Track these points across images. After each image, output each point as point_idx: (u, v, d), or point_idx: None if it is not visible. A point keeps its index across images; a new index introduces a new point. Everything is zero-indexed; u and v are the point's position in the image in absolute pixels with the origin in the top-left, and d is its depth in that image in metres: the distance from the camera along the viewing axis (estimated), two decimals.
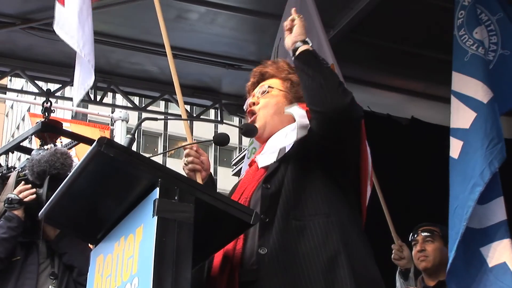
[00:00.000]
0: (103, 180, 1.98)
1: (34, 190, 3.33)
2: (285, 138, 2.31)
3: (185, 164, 2.43)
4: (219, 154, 31.13)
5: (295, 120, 2.33)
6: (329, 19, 5.26)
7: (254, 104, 2.47)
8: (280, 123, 2.39)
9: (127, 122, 9.85)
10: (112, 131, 10.09)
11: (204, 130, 26.57)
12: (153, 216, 1.78)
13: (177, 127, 29.99)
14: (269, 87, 2.47)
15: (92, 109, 12.03)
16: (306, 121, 2.28)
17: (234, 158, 20.42)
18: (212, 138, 2.41)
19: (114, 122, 10.03)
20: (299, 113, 2.33)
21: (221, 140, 2.39)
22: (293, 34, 2.33)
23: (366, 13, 5.16)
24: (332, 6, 5.18)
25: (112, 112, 10.09)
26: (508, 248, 3.25)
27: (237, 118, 7.86)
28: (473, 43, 3.71)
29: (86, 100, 6.78)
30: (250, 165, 2.44)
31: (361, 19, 5.24)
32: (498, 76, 3.71)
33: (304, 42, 2.29)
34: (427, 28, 5.09)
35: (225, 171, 27.36)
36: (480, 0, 3.87)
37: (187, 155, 2.42)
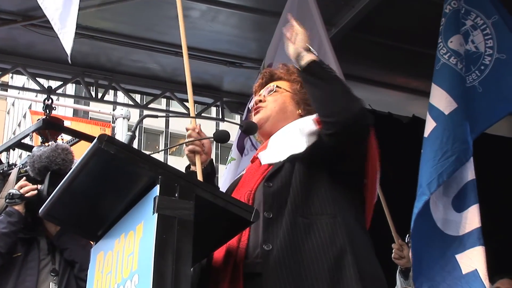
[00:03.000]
0: (104, 177, 1.98)
1: (35, 186, 3.33)
2: (292, 142, 2.28)
3: (185, 145, 2.45)
4: (220, 152, 31.12)
5: (299, 120, 2.35)
6: (331, 17, 5.26)
7: (260, 101, 2.49)
8: (284, 120, 2.40)
9: (128, 120, 9.85)
10: (113, 128, 10.09)
11: (206, 128, 26.46)
12: (153, 213, 1.78)
13: (178, 125, 29.95)
14: (276, 86, 2.50)
15: (93, 106, 12.03)
16: (314, 127, 2.27)
17: None
18: (212, 135, 2.41)
19: (116, 119, 10.03)
20: (306, 122, 2.32)
21: (221, 137, 2.40)
22: (297, 44, 2.26)
23: (368, 11, 5.15)
24: (334, 4, 5.18)
25: (114, 110, 10.09)
26: (479, 255, 3.30)
27: (239, 116, 7.85)
28: (446, 52, 3.71)
29: (87, 98, 6.78)
30: (252, 161, 2.44)
31: (363, 17, 5.24)
32: (495, 81, 3.70)
33: (308, 50, 2.25)
34: (429, 26, 5.07)
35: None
36: (475, 3, 3.84)
37: (189, 136, 2.45)
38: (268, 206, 2.13)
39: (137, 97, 7.22)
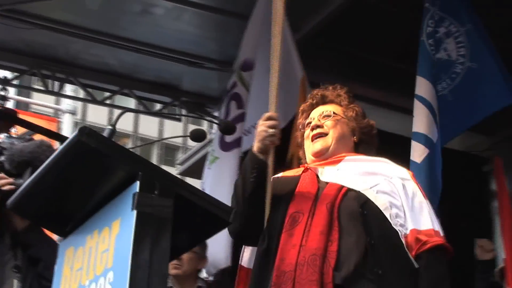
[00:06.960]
0: (78, 171, 1.94)
1: (11, 179, 3.17)
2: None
3: (264, 131, 2.34)
4: (165, 153, 30.93)
5: (355, 149, 2.48)
6: (295, 22, 5.28)
7: (318, 126, 2.49)
8: (342, 148, 2.46)
9: (74, 115, 9.63)
10: (59, 123, 9.76)
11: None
12: (132, 209, 1.75)
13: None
14: (334, 113, 2.51)
15: (41, 99, 11.71)
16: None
17: (179, 157, 20.33)
18: (189, 134, 2.41)
19: (63, 114, 9.76)
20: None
21: (198, 136, 2.41)
22: None
23: (332, 20, 5.20)
24: (299, 10, 5.20)
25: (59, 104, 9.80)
26: None
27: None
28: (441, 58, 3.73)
29: (44, 91, 6.61)
30: (305, 171, 2.44)
31: (327, 24, 5.28)
32: (467, 90, 3.72)
33: None
34: (391, 37, 5.17)
35: (169, 170, 27.65)
36: (449, 11, 3.84)
37: (272, 127, 2.34)
38: (369, 231, 2.18)
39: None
